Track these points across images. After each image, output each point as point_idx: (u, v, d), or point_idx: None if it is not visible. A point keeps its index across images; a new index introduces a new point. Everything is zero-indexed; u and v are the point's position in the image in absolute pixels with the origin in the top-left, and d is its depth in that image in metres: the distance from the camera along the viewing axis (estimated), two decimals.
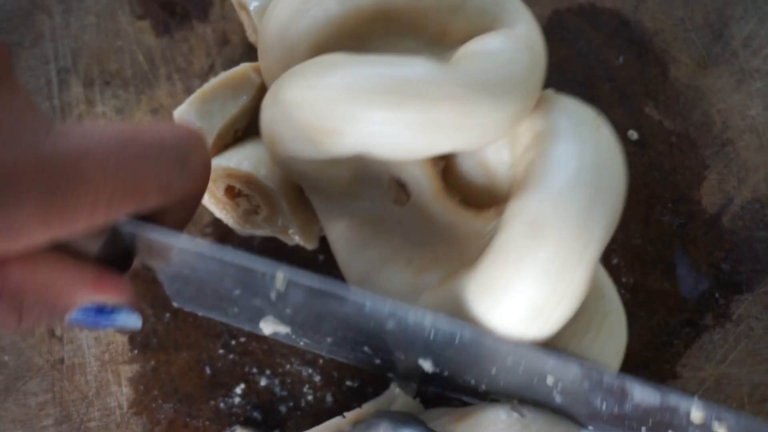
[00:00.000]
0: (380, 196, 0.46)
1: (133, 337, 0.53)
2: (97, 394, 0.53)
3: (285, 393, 0.53)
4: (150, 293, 0.54)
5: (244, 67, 0.52)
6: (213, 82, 0.52)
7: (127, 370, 0.53)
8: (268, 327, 0.47)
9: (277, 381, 0.53)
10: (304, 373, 0.53)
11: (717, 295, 0.53)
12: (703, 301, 0.53)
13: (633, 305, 0.53)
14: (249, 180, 0.49)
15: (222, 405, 0.53)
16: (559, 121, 0.41)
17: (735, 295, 0.52)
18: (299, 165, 0.44)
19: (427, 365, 0.47)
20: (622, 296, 0.53)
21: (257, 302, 0.45)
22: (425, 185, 0.46)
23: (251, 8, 0.53)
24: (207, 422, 0.53)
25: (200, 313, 0.51)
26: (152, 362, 0.53)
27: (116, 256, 0.42)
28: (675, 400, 0.42)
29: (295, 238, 0.52)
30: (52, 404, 0.53)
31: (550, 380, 0.44)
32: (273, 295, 0.44)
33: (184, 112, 0.51)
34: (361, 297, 0.42)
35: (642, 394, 0.43)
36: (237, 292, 0.45)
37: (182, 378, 0.53)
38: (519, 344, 0.42)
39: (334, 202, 0.46)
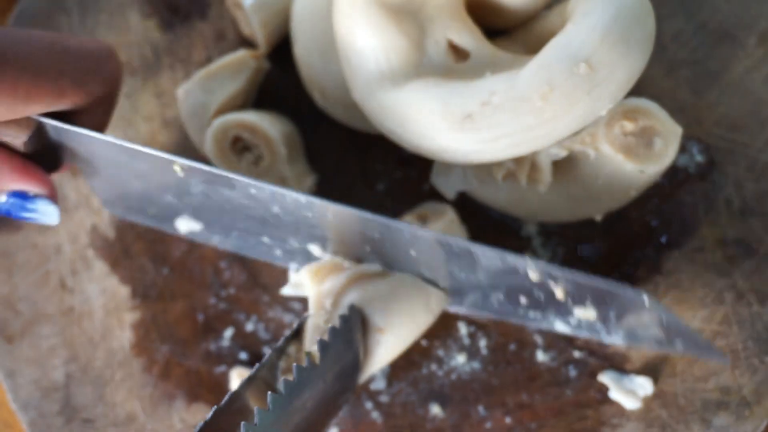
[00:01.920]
0: (440, 59, 0.54)
1: (135, 288, 0.60)
2: (103, 338, 0.60)
3: (269, 336, 0.60)
4: (150, 250, 0.61)
5: (242, 53, 0.61)
6: (215, 64, 0.60)
7: (129, 317, 0.60)
8: (183, 224, 0.57)
9: (261, 326, 0.60)
10: (286, 319, 0.60)
11: (649, 251, 0.60)
12: (637, 256, 0.60)
13: (577, 261, 0.60)
14: (255, 129, 0.57)
15: (212, 347, 0.60)
16: None
17: (664, 251, 0.60)
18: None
19: (315, 249, 0.55)
20: (569, 253, 0.60)
21: (169, 199, 0.54)
22: (480, 44, 0.55)
23: (245, 4, 0.61)
24: (199, 362, 0.59)
25: (127, 217, 0.60)
26: (151, 310, 0.60)
27: (43, 154, 0.49)
28: (512, 259, 0.49)
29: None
30: (61, 346, 0.60)
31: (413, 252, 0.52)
32: (176, 183, 0.52)
33: (189, 89, 0.59)
34: (246, 180, 0.49)
35: (486, 258, 0.50)
36: (146, 184, 0.53)
37: (177, 324, 0.60)
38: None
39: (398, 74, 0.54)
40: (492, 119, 0.50)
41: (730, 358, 0.57)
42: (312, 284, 0.54)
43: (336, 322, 0.52)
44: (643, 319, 0.51)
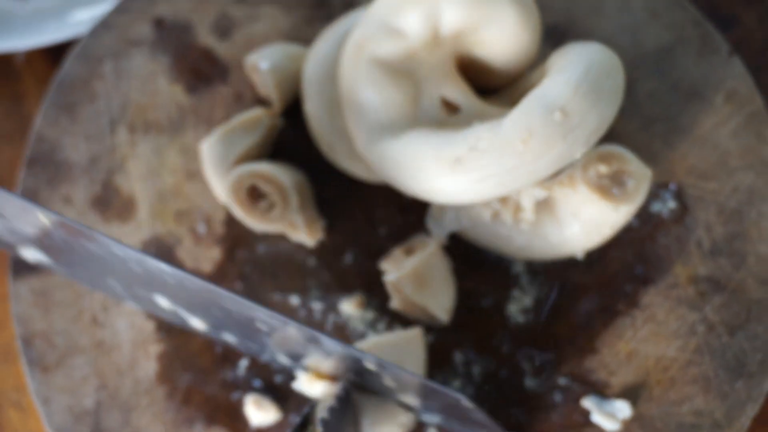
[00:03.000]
0: (433, 112, 0.61)
1: (159, 323, 0.66)
2: (130, 368, 0.66)
3: (281, 365, 0.65)
4: None
5: (258, 110, 0.68)
6: (234, 120, 0.67)
7: (154, 349, 0.66)
8: (29, 254, 0.61)
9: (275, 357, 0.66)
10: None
11: (627, 287, 0.65)
12: (616, 292, 0.65)
13: (562, 296, 0.66)
14: (269, 178, 0.64)
15: (229, 376, 0.65)
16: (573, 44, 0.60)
17: (641, 287, 0.65)
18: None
19: (162, 301, 0.60)
20: (554, 289, 0.66)
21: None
22: (469, 100, 0.62)
23: (262, 69, 0.68)
24: (217, 389, 0.65)
25: None
26: (174, 343, 0.66)
27: None
28: (356, 353, 0.55)
29: (299, 233, 0.66)
30: (93, 376, 0.65)
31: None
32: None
33: (210, 143, 0.66)
34: (109, 240, 0.53)
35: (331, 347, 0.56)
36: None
37: (198, 355, 0.66)
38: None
39: (396, 127, 0.61)
40: (479, 162, 0.56)
41: None
42: (312, 386, 0.61)
43: (334, 402, 0.59)
44: (459, 413, 0.58)
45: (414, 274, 0.62)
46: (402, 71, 0.61)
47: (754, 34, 0.78)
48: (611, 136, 0.65)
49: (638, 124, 0.69)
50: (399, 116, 0.61)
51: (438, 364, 0.65)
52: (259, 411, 0.64)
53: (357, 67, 0.62)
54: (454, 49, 0.63)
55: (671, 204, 0.67)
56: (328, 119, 0.66)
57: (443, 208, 0.64)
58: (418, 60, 0.62)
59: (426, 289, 0.62)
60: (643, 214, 0.66)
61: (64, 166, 0.70)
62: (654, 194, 0.67)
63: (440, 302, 0.63)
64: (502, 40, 0.62)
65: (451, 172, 0.57)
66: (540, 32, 0.63)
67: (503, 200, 0.61)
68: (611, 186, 0.60)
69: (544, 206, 0.62)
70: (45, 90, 0.75)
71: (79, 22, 0.78)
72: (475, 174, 0.57)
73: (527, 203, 0.60)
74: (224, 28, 0.74)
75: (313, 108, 0.67)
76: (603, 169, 0.60)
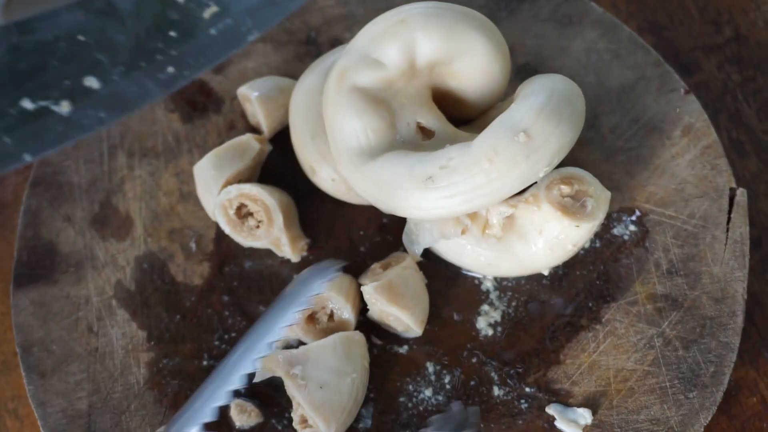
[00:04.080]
0: (410, 137, 0.66)
1: (150, 333, 0.70)
2: (121, 374, 0.69)
3: None
4: (165, 301, 0.71)
5: (247, 136, 0.73)
6: (224, 145, 0.72)
7: (145, 357, 0.70)
8: None
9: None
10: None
11: (590, 304, 0.70)
12: (580, 308, 0.70)
13: (529, 311, 0.70)
14: (256, 198, 0.69)
15: None
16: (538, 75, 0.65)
17: (603, 304, 0.70)
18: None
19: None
20: (521, 304, 0.70)
21: None
22: (443, 126, 0.67)
23: (253, 97, 0.73)
24: None
25: None
26: (164, 351, 0.70)
27: None
28: None
29: (284, 249, 0.70)
30: (86, 381, 0.69)
31: None
32: None
33: (202, 165, 0.71)
34: None
35: None
36: None
37: (186, 362, 0.70)
38: None
39: (375, 150, 0.66)
40: (449, 179, 0.61)
41: None
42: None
43: None
44: None
45: (389, 285, 0.66)
46: (381, 99, 0.67)
47: (713, 80, 0.84)
48: (576, 164, 0.70)
49: (602, 155, 0.74)
50: (378, 140, 0.66)
51: (411, 373, 0.69)
52: (242, 415, 0.67)
53: (339, 95, 0.67)
54: (430, 79, 0.68)
55: (632, 228, 0.71)
56: (312, 145, 0.71)
57: (418, 225, 0.68)
58: (396, 88, 0.67)
59: (401, 300, 0.67)
60: (606, 237, 0.71)
61: (66, 188, 0.75)
62: (616, 219, 0.72)
63: (414, 314, 0.67)
64: (474, 71, 0.67)
65: (423, 189, 0.62)
66: (509, 65, 0.69)
67: (473, 217, 0.66)
68: (573, 205, 0.64)
69: (511, 224, 0.66)
70: None
71: None
72: (445, 191, 0.62)
73: (495, 220, 0.65)
74: (219, 64, 0.79)
75: (298, 135, 0.72)
76: (565, 189, 0.64)
